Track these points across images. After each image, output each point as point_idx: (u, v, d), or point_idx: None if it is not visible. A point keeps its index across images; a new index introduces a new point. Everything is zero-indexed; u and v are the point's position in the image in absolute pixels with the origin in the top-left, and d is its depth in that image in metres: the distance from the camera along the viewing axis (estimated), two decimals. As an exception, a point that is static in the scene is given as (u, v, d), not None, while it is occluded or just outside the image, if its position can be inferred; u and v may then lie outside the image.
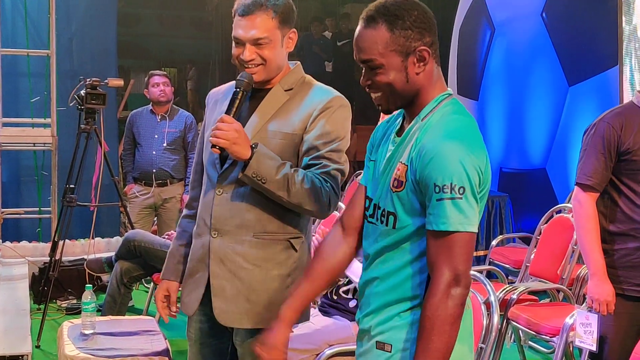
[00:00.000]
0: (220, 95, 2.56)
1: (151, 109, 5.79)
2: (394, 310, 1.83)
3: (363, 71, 1.85)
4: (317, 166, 2.33)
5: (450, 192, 1.70)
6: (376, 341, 1.85)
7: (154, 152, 5.71)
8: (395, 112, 1.94)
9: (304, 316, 2.40)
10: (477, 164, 1.73)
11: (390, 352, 1.83)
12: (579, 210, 2.89)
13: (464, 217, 1.71)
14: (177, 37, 11.64)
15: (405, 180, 1.79)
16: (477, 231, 1.76)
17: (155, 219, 5.91)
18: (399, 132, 1.89)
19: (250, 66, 2.36)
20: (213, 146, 2.28)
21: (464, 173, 1.71)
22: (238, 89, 2.36)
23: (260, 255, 2.38)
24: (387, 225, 1.84)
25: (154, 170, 5.68)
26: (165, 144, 5.70)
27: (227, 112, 2.33)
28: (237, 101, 2.35)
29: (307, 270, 2.05)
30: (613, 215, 2.88)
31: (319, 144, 2.34)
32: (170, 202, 5.78)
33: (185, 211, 2.62)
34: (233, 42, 2.40)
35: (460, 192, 1.70)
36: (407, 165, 1.79)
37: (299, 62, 2.49)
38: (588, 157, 2.88)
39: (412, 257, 1.82)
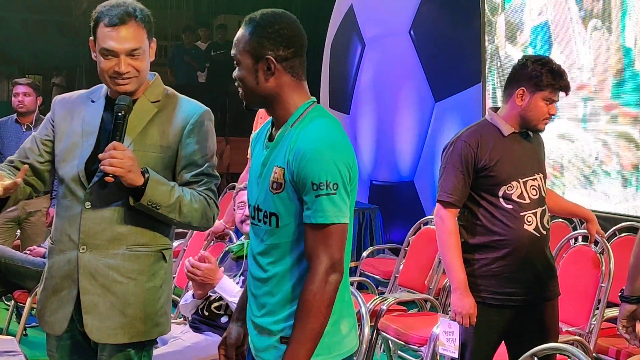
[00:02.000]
0: (71, 104, 2.49)
1: (16, 119, 5.56)
2: (292, 308, 1.97)
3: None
4: (200, 183, 2.38)
5: (326, 189, 1.90)
6: (280, 337, 2.00)
7: (18, 163, 5.45)
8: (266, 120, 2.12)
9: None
10: (347, 162, 1.94)
11: None
12: (441, 227, 2.98)
13: (338, 210, 1.91)
14: (43, 42, 11.19)
15: (284, 181, 1.95)
16: (349, 222, 1.96)
17: (19, 232, 5.66)
18: (270, 138, 2.05)
19: (124, 79, 2.32)
20: (106, 174, 2.24)
21: (337, 171, 1.91)
22: (120, 114, 2.32)
23: (134, 268, 2.36)
24: (270, 225, 1.99)
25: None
26: (30, 155, 5.46)
27: (114, 138, 2.29)
28: (123, 126, 2.32)
29: None
30: (473, 229, 2.98)
31: (198, 160, 2.38)
32: (35, 215, 5.52)
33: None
34: (99, 56, 2.33)
35: (334, 188, 1.91)
36: (283, 168, 1.95)
37: (157, 74, 2.47)
38: (448, 175, 2.97)
39: (298, 255, 1.98)
